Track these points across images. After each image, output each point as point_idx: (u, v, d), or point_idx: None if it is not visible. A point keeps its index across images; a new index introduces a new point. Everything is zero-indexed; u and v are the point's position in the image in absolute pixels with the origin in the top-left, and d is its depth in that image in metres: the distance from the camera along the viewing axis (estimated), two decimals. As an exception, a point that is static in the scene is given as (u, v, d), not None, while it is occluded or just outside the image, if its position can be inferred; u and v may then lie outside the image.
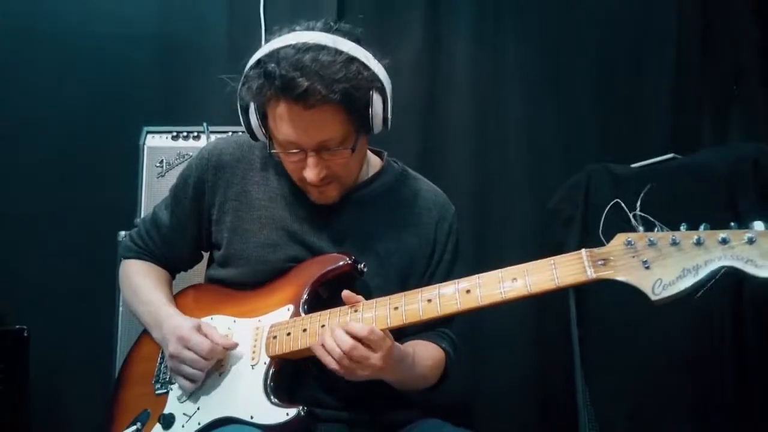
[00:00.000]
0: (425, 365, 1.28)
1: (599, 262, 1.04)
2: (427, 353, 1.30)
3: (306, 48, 1.15)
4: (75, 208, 2.42)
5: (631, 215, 1.03)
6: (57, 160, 2.47)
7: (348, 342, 1.09)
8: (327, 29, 1.20)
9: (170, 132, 2.08)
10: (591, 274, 1.04)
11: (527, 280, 1.08)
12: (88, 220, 2.34)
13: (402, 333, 1.28)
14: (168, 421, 1.23)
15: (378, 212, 1.36)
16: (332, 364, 1.11)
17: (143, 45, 2.50)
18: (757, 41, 2.43)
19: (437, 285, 1.16)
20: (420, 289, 1.16)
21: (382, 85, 1.22)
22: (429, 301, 1.13)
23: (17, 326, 2.08)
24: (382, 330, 1.12)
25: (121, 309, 1.97)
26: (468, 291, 1.11)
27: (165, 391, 1.29)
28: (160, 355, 1.35)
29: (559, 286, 1.07)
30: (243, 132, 1.31)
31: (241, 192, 1.36)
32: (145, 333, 1.41)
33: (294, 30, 1.21)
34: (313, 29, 1.20)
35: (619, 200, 1.10)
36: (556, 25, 2.60)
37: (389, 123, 1.26)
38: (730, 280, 1.83)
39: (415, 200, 1.40)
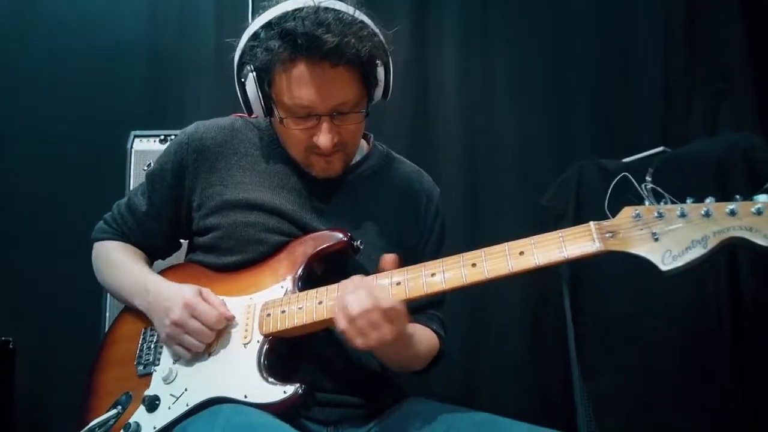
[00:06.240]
0: (421, 346, 1.25)
1: (607, 235, 1.03)
2: (422, 335, 1.28)
3: (324, 8, 1.15)
4: (62, 214, 2.39)
5: (641, 186, 1.01)
6: (43, 166, 2.45)
7: (366, 303, 1.04)
8: None
9: (158, 135, 2.06)
10: (599, 246, 1.02)
11: (534, 252, 1.05)
12: (74, 227, 2.17)
13: None
14: (152, 402, 1.16)
15: (369, 193, 1.34)
16: (343, 323, 1.06)
17: (133, 51, 2.54)
18: (742, 38, 2.44)
19: (442, 260, 1.12)
20: (422, 264, 1.12)
21: (387, 53, 1.24)
22: (433, 275, 1.10)
23: (2, 338, 2.05)
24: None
25: (107, 315, 1.93)
26: (474, 264, 1.08)
27: (149, 371, 1.22)
28: (142, 334, 1.28)
29: (567, 259, 1.04)
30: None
31: (226, 176, 1.31)
32: (125, 312, 1.34)
33: None
34: None
35: (627, 174, 1.08)
36: (545, 26, 2.64)
37: (389, 93, 1.28)
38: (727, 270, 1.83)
39: (402, 182, 1.40)
